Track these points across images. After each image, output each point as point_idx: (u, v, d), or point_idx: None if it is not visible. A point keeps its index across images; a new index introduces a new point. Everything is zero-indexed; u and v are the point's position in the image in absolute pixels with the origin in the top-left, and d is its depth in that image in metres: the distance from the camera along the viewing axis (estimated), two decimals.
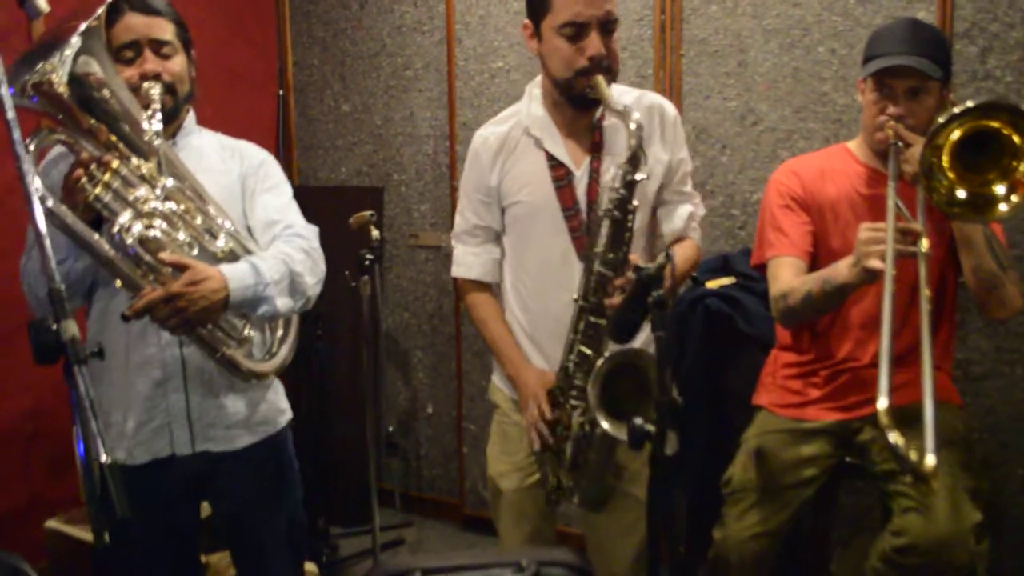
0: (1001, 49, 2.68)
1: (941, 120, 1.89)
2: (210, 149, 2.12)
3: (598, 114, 2.10)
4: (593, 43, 1.95)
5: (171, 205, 1.86)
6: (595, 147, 2.09)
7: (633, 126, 1.85)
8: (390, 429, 3.91)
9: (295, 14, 4.01)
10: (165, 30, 2.00)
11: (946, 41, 2.24)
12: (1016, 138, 1.87)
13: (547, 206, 2.10)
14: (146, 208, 1.81)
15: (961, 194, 1.95)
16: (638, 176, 1.87)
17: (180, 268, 1.79)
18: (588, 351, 1.97)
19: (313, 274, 2.04)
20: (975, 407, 2.77)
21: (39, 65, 1.71)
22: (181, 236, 1.86)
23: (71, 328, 1.33)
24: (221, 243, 1.94)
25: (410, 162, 3.80)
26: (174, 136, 2.07)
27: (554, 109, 2.12)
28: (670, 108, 2.17)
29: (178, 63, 2.01)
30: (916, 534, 1.99)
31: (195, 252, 1.87)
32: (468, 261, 2.25)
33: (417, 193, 3.80)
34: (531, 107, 2.15)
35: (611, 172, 2.03)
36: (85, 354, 1.34)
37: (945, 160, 1.94)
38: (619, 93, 2.08)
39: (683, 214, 2.18)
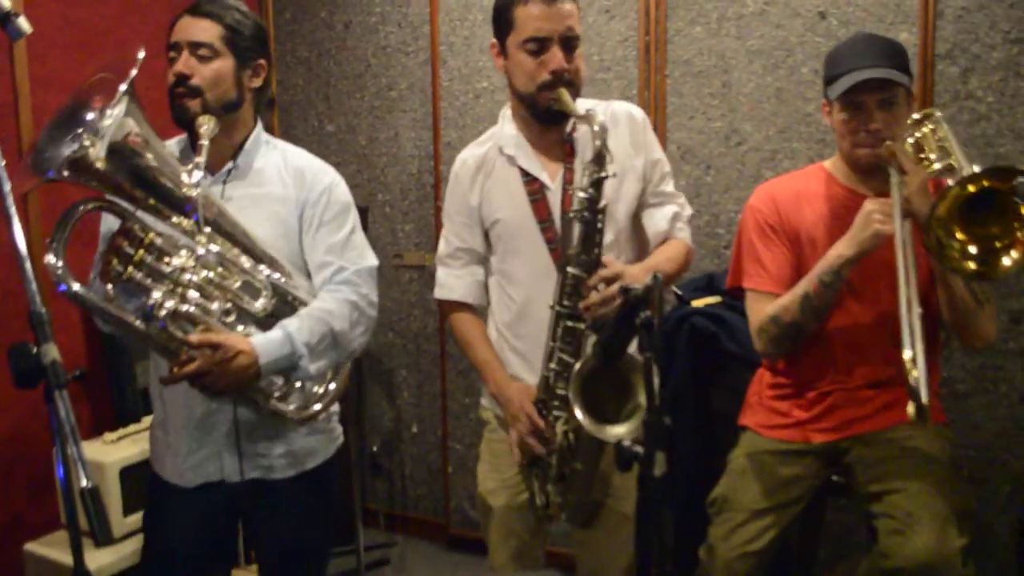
0: (982, 70, 2.71)
1: (951, 181, 1.87)
2: (272, 172, 2.07)
3: (568, 127, 2.14)
4: (555, 57, 2.02)
5: (207, 273, 1.84)
6: (567, 160, 2.13)
7: (597, 127, 1.91)
8: (374, 449, 3.90)
9: (280, 34, 4.01)
10: (207, 32, 1.97)
11: (903, 48, 2.21)
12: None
13: (524, 221, 2.13)
14: (181, 279, 1.81)
15: (972, 250, 1.91)
16: (604, 174, 1.92)
17: (211, 347, 1.80)
18: (569, 359, 1.98)
19: (359, 325, 2.03)
20: (960, 425, 2.78)
21: (78, 138, 1.66)
22: (215, 306, 1.85)
23: (52, 352, 1.32)
24: (261, 303, 1.91)
25: (394, 182, 3.79)
26: (235, 155, 2.04)
27: (524, 126, 2.16)
28: (637, 112, 2.21)
29: (214, 68, 1.96)
30: (902, 557, 1.98)
31: (231, 318, 1.87)
32: (450, 283, 2.26)
33: (401, 213, 3.79)
34: (504, 127, 2.20)
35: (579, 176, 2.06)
36: (66, 378, 1.33)
37: (954, 225, 1.89)
38: (585, 105, 2.11)
39: (667, 214, 2.19)
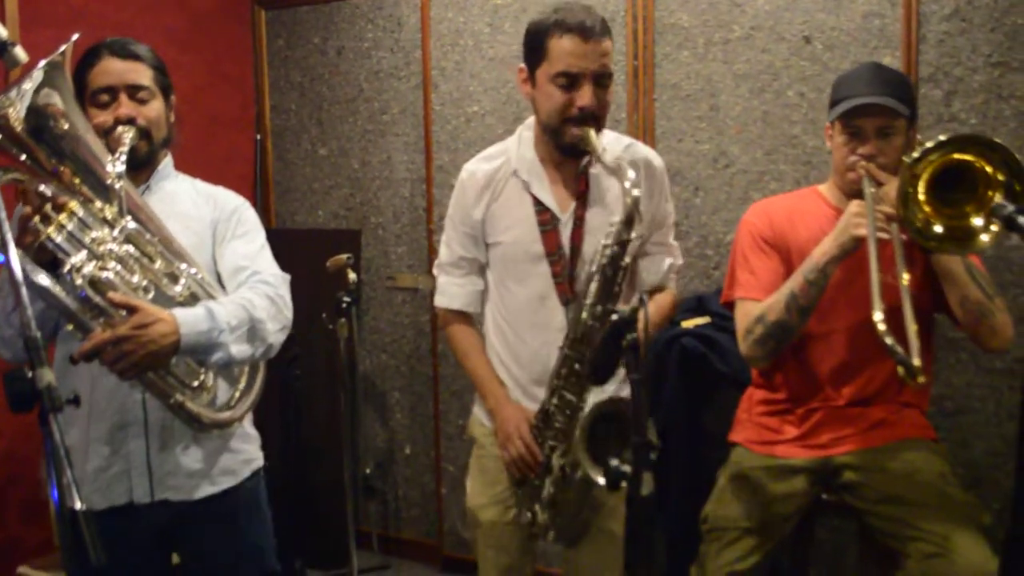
0: (965, 92, 2.75)
1: (916, 155, 1.93)
2: (184, 194, 2.11)
3: (584, 161, 2.11)
4: (585, 94, 1.98)
5: (129, 248, 1.83)
6: (581, 194, 2.11)
7: (628, 184, 1.85)
8: (368, 471, 3.90)
9: (273, 59, 4.05)
10: (142, 75, 2.00)
11: (909, 82, 2.28)
12: (989, 169, 1.91)
13: (531, 249, 2.12)
14: (101, 250, 1.78)
15: (937, 228, 1.99)
16: (632, 235, 1.89)
17: (129, 310, 1.76)
18: (571, 397, 1.99)
19: (276, 321, 1.99)
20: (949, 443, 2.79)
21: None
22: (136, 279, 1.82)
23: (47, 376, 1.33)
24: (180, 288, 1.90)
25: (387, 205, 3.82)
26: (148, 180, 2.07)
27: (543, 153, 2.14)
28: (657, 161, 2.19)
29: (154, 108, 2.01)
30: None
31: (151, 296, 1.83)
32: (452, 291, 2.25)
33: (394, 236, 3.82)
34: (520, 149, 2.17)
35: (599, 222, 2.05)
36: (61, 402, 1.33)
37: (920, 193, 1.98)
38: (609, 140, 2.09)
39: (664, 266, 2.21)
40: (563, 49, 1.98)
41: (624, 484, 1.52)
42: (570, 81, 1.98)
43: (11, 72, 2.83)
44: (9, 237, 1.41)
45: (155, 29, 3.47)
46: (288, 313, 2.06)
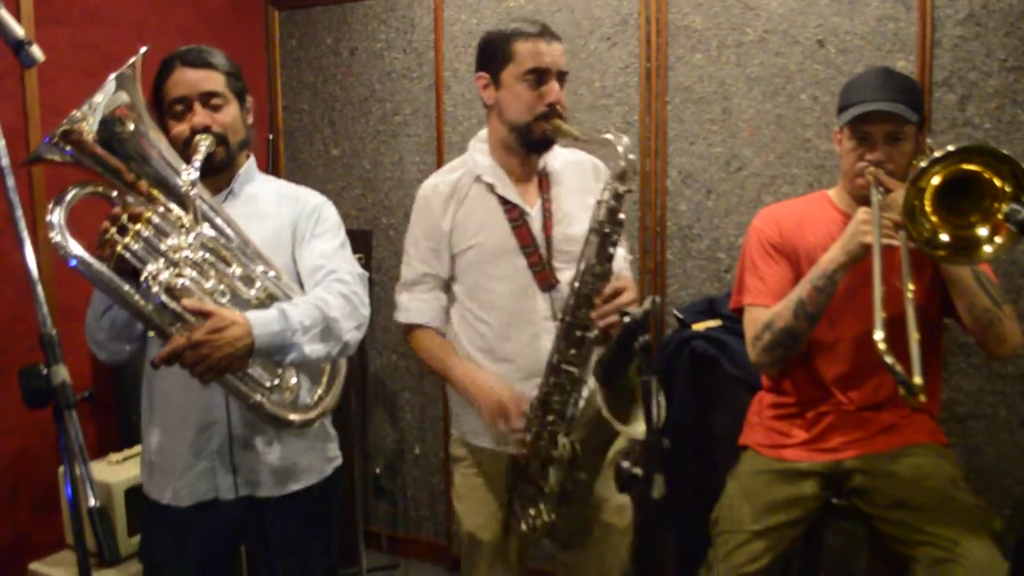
0: (979, 97, 2.74)
1: (923, 164, 1.93)
2: (267, 195, 2.16)
3: (541, 163, 2.24)
4: (553, 89, 2.13)
5: (204, 254, 1.87)
6: (543, 188, 2.23)
7: (621, 148, 1.97)
8: (377, 471, 3.90)
9: (286, 60, 4.06)
10: (215, 82, 2.05)
11: (919, 87, 2.28)
12: (996, 181, 1.91)
13: (505, 246, 2.18)
14: (177, 257, 1.82)
15: (944, 237, 2.00)
16: (624, 188, 1.98)
17: (203, 315, 1.80)
18: (574, 370, 2.02)
19: (352, 319, 2.02)
20: (959, 448, 2.79)
21: (71, 114, 1.75)
22: (211, 284, 1.86)
23: (61, 373, 1.35)
24: (255, 291, 1.93)
25: (398, 206, 3.83)
26: (231, 184, 2.11)
27: (504, 156, 2.23)
28: (601, 164, 2.32)
29: (229, 113, 2.06)
30: None
31: (226, 299, 1.87)
32: (416, 307, 2.30)
33: (405, 236, 3.81)
34: (476, 158, 2.26)
35: (566, 211, 2.20)
36: (75, 399, 1.35)
37: (927, 204, 1.98)
38: (554, 155, 2.26)
39: (619, 256, 2.23)
40: (530, 49, 2.14)
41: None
42: (539, 77, 2.13)
43: (25, 70, 2.87)
44: (26, 235, 1.42)
45: (168, 28, 3.48)
46: (365, 311, 2.09)
